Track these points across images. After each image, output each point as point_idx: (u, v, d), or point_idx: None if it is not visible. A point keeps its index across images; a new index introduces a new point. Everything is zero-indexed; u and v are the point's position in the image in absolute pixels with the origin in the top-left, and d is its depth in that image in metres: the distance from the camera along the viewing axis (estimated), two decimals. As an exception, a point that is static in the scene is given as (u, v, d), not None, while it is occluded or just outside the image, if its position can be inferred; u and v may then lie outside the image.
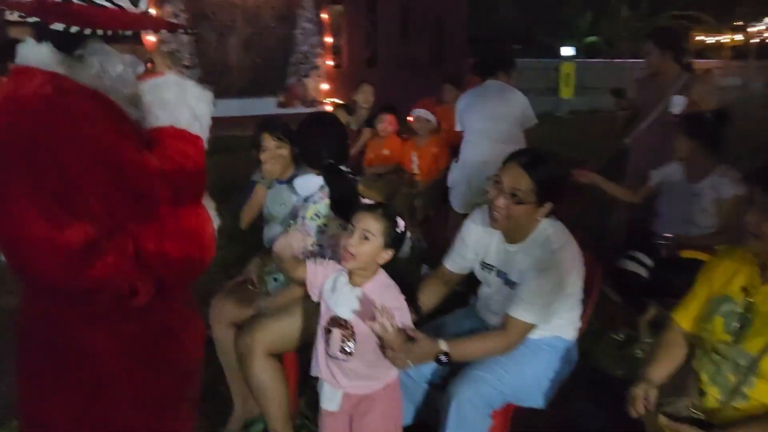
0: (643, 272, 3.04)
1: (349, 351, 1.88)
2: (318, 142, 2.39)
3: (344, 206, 2.24)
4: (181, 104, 1.48)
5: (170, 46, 9.31)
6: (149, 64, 1.62)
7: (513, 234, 2.10)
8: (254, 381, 2.16)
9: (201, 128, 1.53)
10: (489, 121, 3.84)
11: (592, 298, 2.24)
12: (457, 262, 2.30)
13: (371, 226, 1.84)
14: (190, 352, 1.55)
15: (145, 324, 1.44)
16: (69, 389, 1.41)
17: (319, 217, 2.32)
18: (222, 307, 2.39)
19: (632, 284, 3.07)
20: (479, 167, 3.79)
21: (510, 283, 2.08)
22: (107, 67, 1.41)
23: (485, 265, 2.20)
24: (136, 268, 1.38)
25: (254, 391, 2.19)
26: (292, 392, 2.38)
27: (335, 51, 10.88)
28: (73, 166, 1.28)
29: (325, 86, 10.59)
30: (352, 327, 1.86)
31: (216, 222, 1.60)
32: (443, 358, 1.92)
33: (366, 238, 1.84)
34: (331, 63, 10.75)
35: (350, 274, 1.90)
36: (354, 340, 1.87)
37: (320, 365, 1.94)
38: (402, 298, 1.91)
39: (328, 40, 10.66)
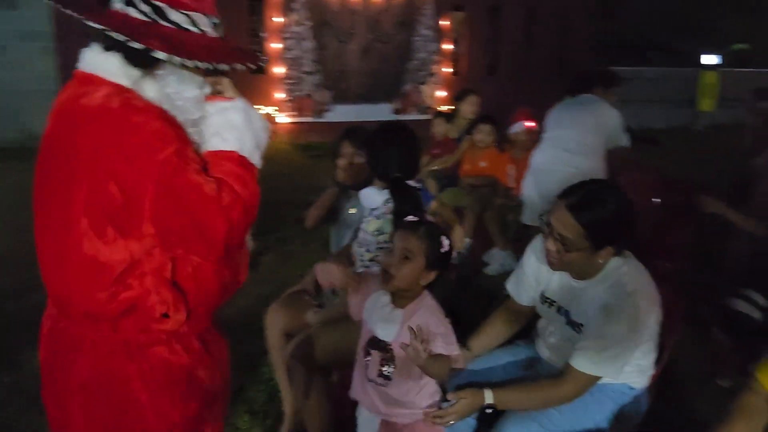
0: (756, 314, 2.66)
1: (387, 375, 1.78)
2: (386, 154, 2.32)
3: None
4: (248, 131, 1.45)
5: (293, 52, 9.68)
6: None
7: (578, 272, 1.86)
8: (300, 394, 2.12)
9: (259, 159, 1.49)
10: (564, 128, 3.66)
11: (670, 342, 1.96)
12: (518, 290, 2.09)
13: (413, 245, 1.73)
14: (216, 374, 1.52)
15: (172, 348, 1.42)
16: (96, 412, 1.40)
17: (381, 233, 2.25)
18: (276, 316, 2.37)
19: (743, 327, 2.70)
20: (542, 175, 3.61)
21: (573, 324, 1.85)
22: (182, 89, 1.38)
23: (546, 299, 1.97)
24: (171, 292, 1.36)
25: (303, 403, 2.15)
26: (343, 409, 2.31)
27: (454, 58, 10.76)
28: (134, 185, 1.26)
29: (441, 93, 10.50)
30: (392, 350, 1.76)
31: (251, 246, 1.57)
32: (489, 411, 1.75)
33: (407, 258, 1.72)
34: (448, 70, 10.64)
35: (393, 294, 1.80)
36: (393, 364, 1.77)
37: (358, 388, 1.85)
38: (447, 323, 1.78)
39: (447, 47, 10.55)
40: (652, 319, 1.78)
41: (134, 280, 1.32)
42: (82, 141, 1.28)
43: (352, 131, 2.77)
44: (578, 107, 3.76)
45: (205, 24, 1.38)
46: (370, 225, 2.28)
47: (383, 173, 2.31)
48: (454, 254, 1.80)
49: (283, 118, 9.68)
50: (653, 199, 3.83)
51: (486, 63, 11.11)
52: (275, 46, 9.55)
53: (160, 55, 1.25)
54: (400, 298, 1.78)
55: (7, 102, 8.21)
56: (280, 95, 9.66)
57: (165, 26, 1.33)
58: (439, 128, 4.85)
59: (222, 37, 1.43)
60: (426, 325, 1.74)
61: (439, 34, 10.38)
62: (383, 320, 1.78)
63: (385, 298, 1.81)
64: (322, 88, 10.02)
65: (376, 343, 1.79)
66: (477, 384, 1.84)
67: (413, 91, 10.47)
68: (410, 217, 1.83)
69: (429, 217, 2.30)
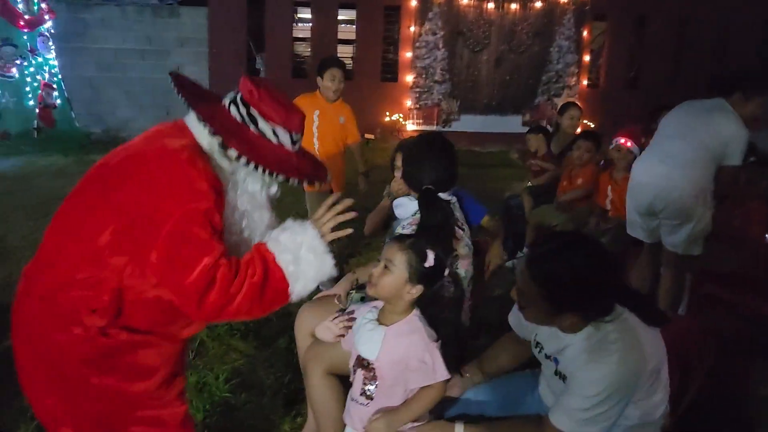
0: None
1: (369, 394, 1.73)
2: (419, 165, 2.27)
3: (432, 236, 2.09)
4: (297, 250, 1.55)
5: (425, 61, 9.77)
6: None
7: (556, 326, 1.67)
8: (312, 396, 2.14)
9: (296, 290, 1.56)
10: (669, 137, 3.23)
11: (696, 378, 1.73)
12: (518, 326, 1.93)
13: (395, 256, 1.70)
14: (147, 367, 1.59)
15: (89, 326, 1.51)
16: (43, 378, 1.56)
17: (402, 244, 2.21)
18: (305, 317, 2.39)
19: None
20: (638, 187, 3.28)
21: (560, 375, 1.68)
22: (246, 181, 1.60)
23: (537, 343, 1.80)
24: (110, 301, 1.48)
25: (311, 405, 2.18)
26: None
27: (592, 70, 10.23)
28: (161, 214, 1.44)
29: (576, 107, 10.03)
30: (374, 369, 1.73)
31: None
32: None
33: (388, 268, 1.69)
34: (585, 83, 10.14)
35: (381, 311, 1.77)
36: (375, 383, 1.73)
37: (345, 410, 1.84)
38: (433, 347, 1.70)
39: (586, 58, 10.06)
40: (649, 368, 1.57)
41: (105, 273, 1.47)
42: (147, 166, 1.50)
43: (405, 143, 2.76)
44: (696, 113, 3.20)
45: (285, 139, 1.61)
46: (396, 237, 2.25)
47: (415, 184, 2.28)
48: None
49: (410, 126, 9.82)
50: (765, 235, 3.38)
51: (627, 76, 10.43)
52: (408, 54, 9.71)
53: (232, 152, 1.51)
54: (388, 313, 1.74)
55: (165, 102, 9.18)
56: (409, 103, 9.81)
57: (252, 132, 1.57)
58: (533, 143, 4.66)
59: (297, 151, 1.65)
60: (407, 346, 1.69)
61: (578, 45, 9.92)
62: (366, 337, 1.74)
63: (371, 315, 1.78)
64: (451, 98, 10.01)
65: (360, 362, 1.76)
66: (470, 416, 1.76)
67: (546, 104, 10.11)
68: (405, 231, 1.80)
69: (459, 232, 2.23)
